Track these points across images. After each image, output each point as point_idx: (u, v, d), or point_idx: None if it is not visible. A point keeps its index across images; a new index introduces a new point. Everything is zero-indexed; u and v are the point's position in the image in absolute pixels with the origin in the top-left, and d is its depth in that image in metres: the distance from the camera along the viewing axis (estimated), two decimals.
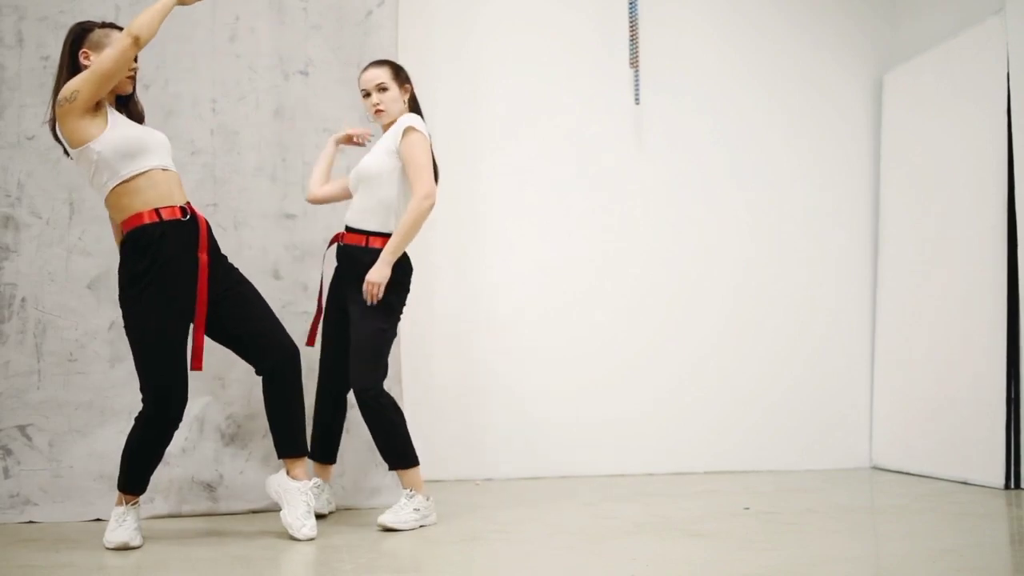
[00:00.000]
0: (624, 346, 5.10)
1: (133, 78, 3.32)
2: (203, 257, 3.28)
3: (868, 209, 5.43)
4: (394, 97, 3.69)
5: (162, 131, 3.53)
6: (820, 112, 5.41)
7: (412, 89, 3.77)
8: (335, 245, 3.75)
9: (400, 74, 3.73)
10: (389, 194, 3.63)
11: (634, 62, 5.11)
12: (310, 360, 3.76)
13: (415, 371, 4.73)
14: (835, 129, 5.42)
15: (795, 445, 5.22)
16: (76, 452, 3.80)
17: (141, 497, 3.33)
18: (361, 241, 3.63)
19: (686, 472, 5.06)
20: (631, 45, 5.11)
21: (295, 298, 4.05)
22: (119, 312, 3.29)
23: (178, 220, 3.24)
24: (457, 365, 4.92)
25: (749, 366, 5.22)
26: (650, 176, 5.20)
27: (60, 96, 3.16)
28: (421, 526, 3.54)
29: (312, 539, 3.31)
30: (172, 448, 3.66)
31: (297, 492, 3.38)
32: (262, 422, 3.72)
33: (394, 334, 3.67)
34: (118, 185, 3.21)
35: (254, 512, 3.89)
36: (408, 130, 3.62)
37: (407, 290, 3.67)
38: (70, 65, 3.22)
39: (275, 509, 3.62)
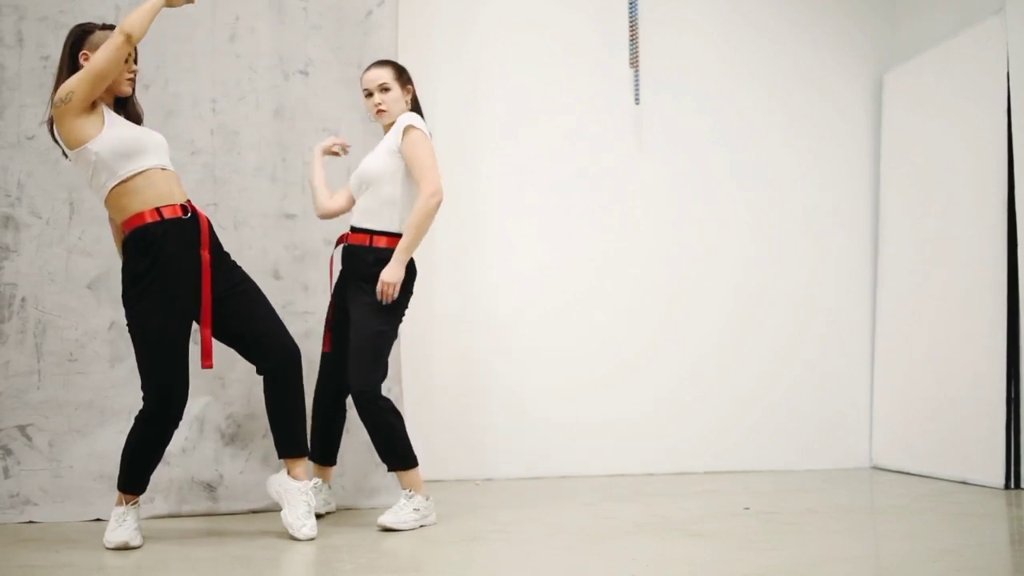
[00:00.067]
0: (624, 346, 5.10)
1: (133, 80, 3.32)
2: (205, 255, 3.29)
3: (868, 209, 5.43)
4: (396, 97, 3.69)
5: (162, 131, 3.53)
6: (820, 112, 5.41)
7: (414, 90, 3.77)
8: (341, 246, 3.75)
9: (403, 75, 3.73)
10: (393, 193, 3.63)
11: (634, 62, 5.11)
12: (310, 359, 3.76)
13: (415, 371, 4.73)
14: (835, 129, 5.42)
15: (795, 445, 5.22)
16: (76, 452, 3.80)
17: (141, 497, 3.33)
18: (365, 240, 3.63)
19: (686, 472, 5.06)
20: (631, 45, 5.11)
21: (295, 298, 4.05)
22: (119, 312, 3.30)
23: (179, 218, 3.25)
24: (457, 365, 4.92)
25: (749, 366, 5.22)
26: (650, 176, 5.20)
27: (56, 97, 3.17)
28: (421, 526, 3.54)
29: (312, 539, 3.31)
30: (172, 448, 3.66)
31: (298, 492, 3.38)
32: (262, 422, 3.72)
33: (395, 335, 3.67)
34: (117, 185, 3.21)
35: (254, 512, 3.89)
36: (408, 128, 3.62)
37: (410, 292, 3.66)
38: (70, 67, 3.22)
39: (275, 509, 3.62)
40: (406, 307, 3.67)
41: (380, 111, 3.70)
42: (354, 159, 4.07)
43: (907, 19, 5.41)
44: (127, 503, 3.26)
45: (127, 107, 3.36)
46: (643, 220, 5.18)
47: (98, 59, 3.14)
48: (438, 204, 3.59)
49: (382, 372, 3.58)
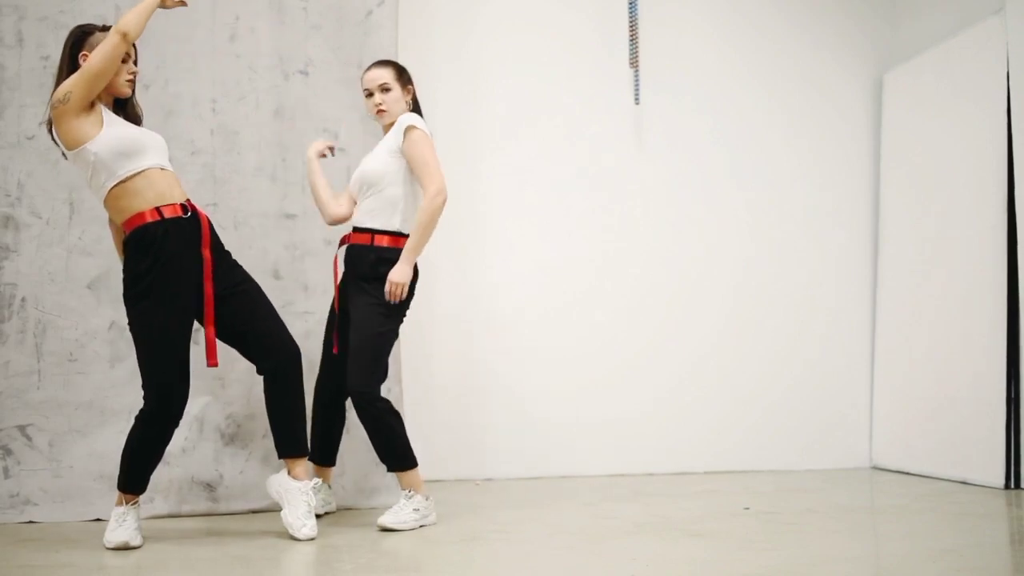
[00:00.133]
0: (624, 346, 5.10)
1: (132, 82, 3.32)
2: (207, 253, 3.29)
3: (868, 209, 5.43)
4: (396, 98, 3.69)
5: (162, 131, 3.54)
6: (820, 112, 5.41)
7: (414, 90, 3.77)
8: (344, 247, 3.74)
9: (403, 75, 3.73)
10: (395, 193, 3.63)
11: (634, 62, 5.11)
12: (310, 359, 3.76)
13: (415, 371, 4.73)
14: (835, 129, 5.42)
15: (795, 445, 5.22)
16: (76, 452, 3.80)
17: (141, 497, 3.33)
18: (367, 240, 3.63)
19: (686, 472, 5.06)
20: (631, 45, 5.11)
21: (295, 298, 4.05)
22: (119, 312, 3.30)
23: (179, 218, 3.25)
24: (457, 365, 4.92)
25: (749, 366, 5.22)
26: (650, 176, 5.20)
27: (54, 98, 3.18)
28: (421, 526, 3.54)
29: (312, 539, 3.31)
30: (172, 448, 3.66)
31: (298, 492, 3.38)
32: (262, 422, 3.72)
33: (395, 336, 3.66)
34: (116, 186, 3.22)
35: (254, 512, 3.89)
36: (410, 129, 3.62)
37: (412, 294, 3.66)
38: (70, 68, 3.23)
39: (275, 509, 3.62)
40: (407, 308, 3.67)
41: (380, 111, 3.70)
42: (354, 159, 4.07)
43: (907, 19, 5.41)
44: (127, 503, 3.26)
45: (126, 108, 3.36)
46: (643, 220, 5.18)
47: (95, 59, 3.14)
48: (443, 203, 3.59)
49: (381, 373, 3.57)
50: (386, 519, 3.49)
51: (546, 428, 4.97)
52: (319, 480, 3.77)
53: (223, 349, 3.50)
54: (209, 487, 3.88)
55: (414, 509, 3.54)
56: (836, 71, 5.43)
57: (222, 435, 3.92)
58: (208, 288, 3.28)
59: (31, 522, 3.73)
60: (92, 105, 3.21)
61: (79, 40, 3.25)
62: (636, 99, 5.15)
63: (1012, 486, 4.36)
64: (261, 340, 3.39)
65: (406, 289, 3.56)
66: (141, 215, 3.21)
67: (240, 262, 3.49)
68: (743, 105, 5.31)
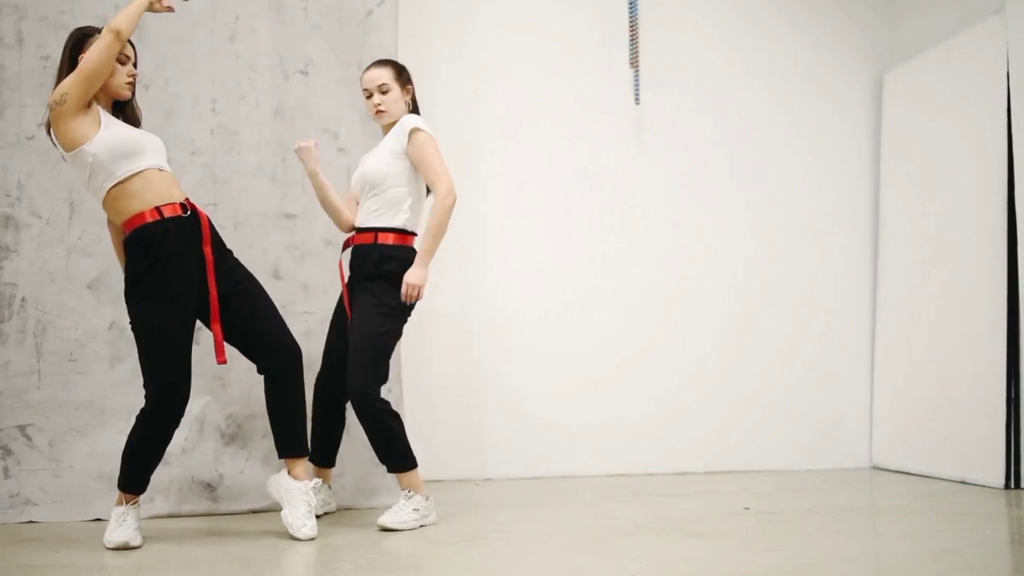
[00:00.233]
0: (624, 346, 5.10)
1: (132, 84, 3.32)
2: (208, 251, 3.29)
3: (868, 209, 5.43)
4: (396, 98, 3.69)
5: (162, 131, 3.54)
6: (820, 112, 5.41)
7: (414, 90, 3.77)
8: (348, 248, 3.74)
9: (403, 75, 3.72)
10: (398, 194, 3.63)
11: (634, 62, 5.11)
12: (310, 359, 3.75)
13: (415, 371, 4.73)
14: (835, 129, 5.42)
15: (795, 445, 5.22)
16: (76, 452, 3.80)
17: (141, 497, 3.33)
18: (370, 239, 3.63)
19: (686, 472, 5.06)
20: (631, 45, 5.11)
21: (295, 298, 4.05)
22: (119, 312, 3.31)
23: (179, 217, 3.26)
24: (457, 365, 4.92)
25: (749, 366, 5.22)
26: (650, 176, 5.20)
27: (51, 100, 3.18)
28: (421, 526, 3.54)
29: (312, 539, 3.31)
30: (172, 448, 3.67)
31: (298, 492, 3.38)
32: (262, 422, 3.72)
33: (397, 338, 3.65)
34: (114, 187, 3.22)
35: (254, 512, 3.89)
36: (415, 131, 3.61)
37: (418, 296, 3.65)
38: (70, 69, 3.22)
39: (275, 509, 3.62)
40: (412, 309, 3.66)
41: (380, 111, 3.69)
42: (354, 159, 4.07)
43: (907, 19, 5.41)
44: (127, 503, 3.26)
45: (125, 110, 3.36)
46: (643, 220, 5.18)
47: (89, 59, 3.15)
48: (454, 203, 3.59)
49: (382, 375, 3.56)
50: (386, 519, 3.49)
51: (546, 428, 4.97)
52: (319, 480, 3.77)
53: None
54: (209, 487, 3.88)
55: (414, 509, 3.54)
56: (836, 71, 5.43)
57: (222, 435, 3.92)
58: (212, 286, 3.28)
59: (31, 522, 3.73)
60: (89, 106, 3.21)
61: (79, 42, 3.25)
62: (636, 99, 5.15)
63: (1012, 486, 4.36)
64: (262, 339, 3.39)
65: (423, 292, 3.56)
66: (141, 215, 3.21)
67: (240, 262, 3.49)
68: (743, 105, 5.31)
